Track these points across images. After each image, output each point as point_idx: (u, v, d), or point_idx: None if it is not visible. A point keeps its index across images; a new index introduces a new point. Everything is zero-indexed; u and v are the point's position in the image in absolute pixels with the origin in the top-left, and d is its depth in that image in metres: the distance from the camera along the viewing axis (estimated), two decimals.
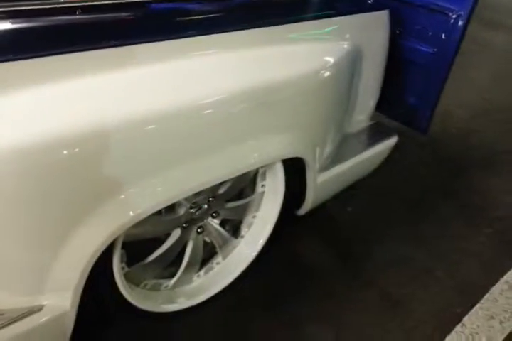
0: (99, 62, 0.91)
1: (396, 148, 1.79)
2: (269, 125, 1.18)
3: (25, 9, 0.87)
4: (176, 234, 1.28)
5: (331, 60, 1.28)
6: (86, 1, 0.94)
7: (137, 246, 1.21)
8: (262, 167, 1.34)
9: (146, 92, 0.94)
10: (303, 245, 1.73)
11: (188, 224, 1.29)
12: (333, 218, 1.91)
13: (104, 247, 0.97)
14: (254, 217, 1.47)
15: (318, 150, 1.38)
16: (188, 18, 1.09)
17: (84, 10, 0.92)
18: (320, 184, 1.48)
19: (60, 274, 0.95)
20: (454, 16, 1.48)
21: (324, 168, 1.48)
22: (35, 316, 0.96)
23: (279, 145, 1.22)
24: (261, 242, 1.48)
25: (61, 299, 0.98)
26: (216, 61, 1.07)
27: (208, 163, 1.06)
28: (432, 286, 1.63)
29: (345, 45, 1.35)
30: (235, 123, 1.10)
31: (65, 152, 0.83)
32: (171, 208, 1.24)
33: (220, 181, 1.15)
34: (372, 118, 1.79)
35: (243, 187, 1.41)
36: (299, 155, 1.28)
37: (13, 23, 0.85)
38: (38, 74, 0.85)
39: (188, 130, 1.00)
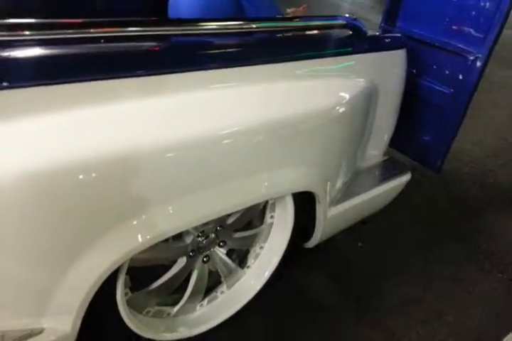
0: (122, 91, 0.94)
1: (409, 184, 1.78)
2: (281, 158, 1.19)
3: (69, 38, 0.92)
4: (182, 262, 1.27)
5: (347, 96, 1.30)
6: (120, 32, 0.98)
7: (142, 272, 1.22)
8: (271, 198, 1.34)
9: (163, 121, 0.96)
10: (309, 279, 1.70)
11: (195, 252, 1.29)
12: (342, 252, 1.88)
13: (110, 272, 0.97)
14: (261, 248, 1.46)
15: (329, 184, 1.38)
16: (210, 51, 1.12)
17: (114, 40, 0.97)
18: (330, 218, 1.47)
19: (63, 297, 0.94)
20: (472, 58, 1.50)
21: (335, 202, 1.48)
22: (35, 339, 0.96)
23: (290, 179, 1.22)
24: (267, 274, 1.46)
25: (62, 323, 0.97)
26: (235, 93, 1.10)
27: (220, 193, 1.06)
28: (441, 332, 1.57)
29: (362, 82, 1.37)
30: (249, 155, 1.11)
31: (80, 176, 0.85)
32: (179, 236, 1.24)
33: (231, 211, 1.15)
34: (386, 153, 1.80)
35: (252, 218, 1.41)
36: (309, 189, 1.28)
37: (55, 49, 0.90)
38: (63, 99, 0.88)
39: (203, 159, 1.01)
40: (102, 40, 0.95)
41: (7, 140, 0.81)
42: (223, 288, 1.44)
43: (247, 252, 1.48)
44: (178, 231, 1.06)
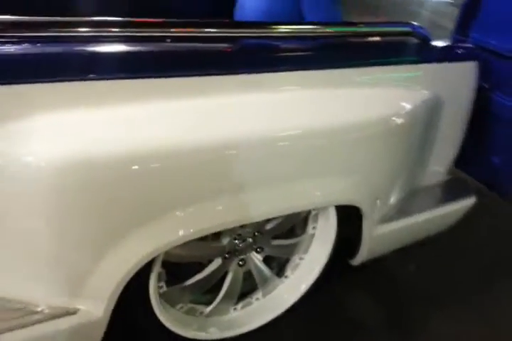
0: (188, 89, 0.98)
1: (477, 207, 1.65)
2: (328, 167, 1.16)
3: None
4: (217, 262, 1.28)
5: (407, 107, 1.24)
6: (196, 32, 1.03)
7: (178, 267, 1.25)
8: (315, 209, 1.31)
9: (225, 119, 0.99)
10: (351, 297, 1.63)
11: (231, 254, 1.29)
12: (392, 274, 1.78)
13: (145, 262, 1.00)
14: (301, 258, 1.43)
15: (378, 200, 1.32)
16: (275, 54, 1.13)
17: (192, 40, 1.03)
18: (378, 236, 1.40)
19: (98, 282, 0.99)
20: None
21: (386, 219, 1.40)
22: (69, 318, 1.01)
23: (336, 190, 1.18)
24: (304, 287, 1.42)
25: (95, 307, 1.02)
26: (294, 97, 1.10)
27: (267, 196, 1.07)
28: None
29: (424, 94, 1.30)
30: (297, 161, 1.10)
31: (135, 167, 0.89)
32: (216, 236, 1.25)
33: (273, 216, 1.14)
34: (450, 173, 1.68)
35: (292, 227, 1.39)
36: (354, 204, 1.23)
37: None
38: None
39: (255, 160, 1.03)
40: (180, 39, 1.00)
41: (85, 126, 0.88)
42: (259, 294, 1.43)
43: (287, 262, 1.46)
44: (220, 229, 1.09)
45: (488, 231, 2.08)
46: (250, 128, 1.00)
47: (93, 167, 0.87)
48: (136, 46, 0.95)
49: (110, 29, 0.94)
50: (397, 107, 1.22)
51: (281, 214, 1.19)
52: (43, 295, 1.00)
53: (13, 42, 0.85)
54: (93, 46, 0.91)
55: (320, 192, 1.17)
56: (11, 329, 0.95)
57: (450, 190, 1.62)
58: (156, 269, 1.11)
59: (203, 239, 1.19)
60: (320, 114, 1.11)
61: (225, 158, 0.98)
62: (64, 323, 1.00)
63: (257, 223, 1.23)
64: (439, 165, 1.58)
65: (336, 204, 1.25)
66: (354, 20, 1.42)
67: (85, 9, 1.51)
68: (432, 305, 1.64)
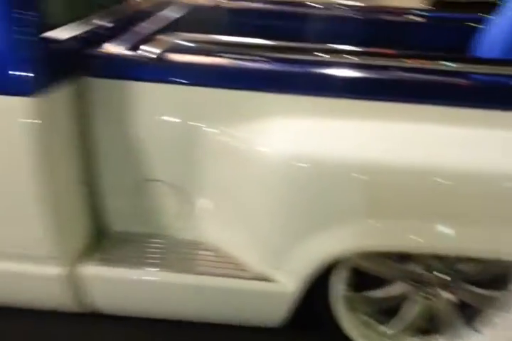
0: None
1: None
2: None
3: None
4: (400, 287, 1.30)
5: None
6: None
7: (367, 278, 1.30)
8: None
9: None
10: None
11: (419, 285, 1.28)
12: None
13: (335, 257, 1.14)
14: (500, 316, 1.28)
15: None
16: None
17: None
18: None
19: (297, 262, 1.17)
20: None
21: None
22: (267, 284, 1.22)
23: None
24: None
25: (290, 282, 1.19)
26: None
27: (466, 233, 1.07)
28: None
29: None
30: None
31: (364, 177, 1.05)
32: (407, 260, 1.26)
33: (457, 254, 1.12)
34: None
35: (499, 277, 1.25)
36: None
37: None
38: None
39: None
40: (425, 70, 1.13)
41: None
42: (442, 338, 1.35)
43: (484, 315, 1.32)
44: (407, 249, 1.14)
45: None
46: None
47: (314, 166, 1.07)
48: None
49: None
50: None
51: (474, 255, 1.13)
52: (253, 260, 1.25)
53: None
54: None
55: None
56: (214, 275, 1.23)
57: None
58: (341, 271, 1.22)
59: (391, 258, 1.25)
60: None
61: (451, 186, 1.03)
62: (260, 286, 1.22)
63: (454, 261, 1.20)
64: None
65: None
66: None
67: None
68: None
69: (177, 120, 1.19)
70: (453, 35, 1.77)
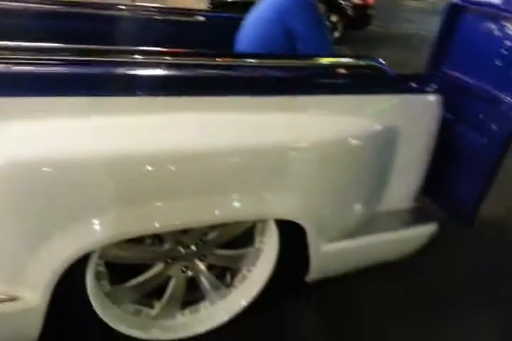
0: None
1: (443, 235, 1.65)
2: (263, 181, 1.24)
3: None
4: (158, 267, 1.35)
5: (352, 134, 1.31)
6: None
7: (125, 269, 1.32)
8: (258, 222, 1.37)
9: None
10: (301, 314, 1.65)
11: (173, 260, 1.36)
12: (347, 295, 1.78)
13: (73, 259, 1.09)
14: (249, 271, 1.48)
15: (323, 219, 1.37)
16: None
17: None
18: (328, 254, 1.44)
19: (35, 272, 1.08)
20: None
21: (334, 238, 1.44)
22: (11, 304, 1.09)
23: (269, 204, 1.25)
24: (251, 298, 1.46)
25: (33, 295, 1.10)
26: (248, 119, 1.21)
27: (184, 206, 1.15)
28: None
29: (375, 123, 1.35)
30: (233, 174, 1.20)
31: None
32: (159, 241, 1.32)
33: (197, 225, 1.23)
34: (417, 200, 1.69)
35: (237, 238, 1.43)
36: (291, 219, 1.29)
37: None
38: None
39: (193, 171, 1.14)
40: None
41: None
42: (206, 302, 1.48)
43: (238, 271, 1.51)
44: (139, 234, 1.17)
45: (451, 259, 2.06)
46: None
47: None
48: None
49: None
50: (339, 133, 1.29)
51: (207, 223, 1.28)
52: None
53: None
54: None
55: (256, 205, 1.25)
56: None
57: (411, 216, 1.64)
58: (92, 267, 1.18)
59: (142, 242, 1.27)
60: (262, 134, 1.21)
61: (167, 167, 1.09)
62: (3, 308, 1.10)
63: (200, 232, 1.30)
64: (400, 193, 1.60)
65: (272, 217, 1.31)
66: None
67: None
68: (385, 328, 1.64)
69: None
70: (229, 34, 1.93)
